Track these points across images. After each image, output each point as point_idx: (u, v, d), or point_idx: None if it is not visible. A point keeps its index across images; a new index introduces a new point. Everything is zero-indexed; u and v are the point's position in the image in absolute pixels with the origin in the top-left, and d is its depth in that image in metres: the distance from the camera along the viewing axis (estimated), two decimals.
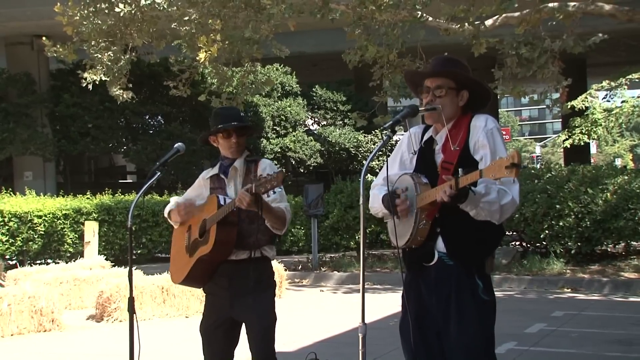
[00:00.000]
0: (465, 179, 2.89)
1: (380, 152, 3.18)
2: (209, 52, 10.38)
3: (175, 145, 4.03)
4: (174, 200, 4.07)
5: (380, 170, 3.55)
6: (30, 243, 13.30)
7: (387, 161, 3.36)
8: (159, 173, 3.96)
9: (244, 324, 3.83)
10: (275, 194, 3.60)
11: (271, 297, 3.80)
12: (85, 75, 11.33)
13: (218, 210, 3.68)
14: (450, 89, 3.29)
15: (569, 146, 19.13)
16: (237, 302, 3.75)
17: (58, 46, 11.34)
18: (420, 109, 3.27)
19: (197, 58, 10.63)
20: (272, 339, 3.78)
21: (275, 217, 3.66)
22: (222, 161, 3.93)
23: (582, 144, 19.41)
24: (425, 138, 3.42)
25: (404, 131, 3.55)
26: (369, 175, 14.62)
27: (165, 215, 4.08)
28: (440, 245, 3.22)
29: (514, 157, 2.71)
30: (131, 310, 3.79)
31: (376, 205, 3.39)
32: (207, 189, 3.95)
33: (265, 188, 3.35)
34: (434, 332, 3.26)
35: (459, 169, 2.93)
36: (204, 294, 3.97)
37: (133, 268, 3.91)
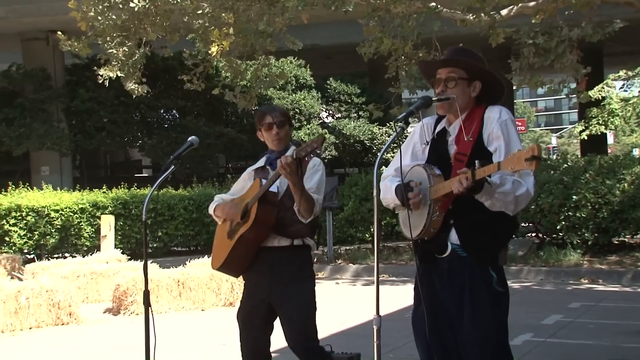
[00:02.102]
0: (482, 171, 2.88)
1: (394, 144, 3.16)
2: (222, 45, 10.37)
3: (189, 138, 4.05)
4: (218, 197, 4.11)
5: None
6: (48, 237, 13.40)
7: (399, 152, 3.35)
8: (173, 167, 3.98)
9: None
10: (312, 184, 3.69)
11: (311, 287, 3.84)
12: (101, 72, 11.37)
13: (260, 187, 3.74)
14: (462, 79, 3.26)
15: (585, 137, 18.97)
16: (276, 289, 3.78)
17: (72, 40, 11.38)
18: (433, 99, 3.26)
19: (210, 51, 10.62)
20: (312, 329, 3.81)
21: (306, 199, 3.64)
22: (269, 154, 3.98)
23: (599, 134, 19.25)
24: (438, 129, 3.40)
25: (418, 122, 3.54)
26: (383, 167, 14.63)
27: (211, 212, 4.09)
28: (453, 237, 3.21)
29: (534, 150, 2.69)
30: (147, 303, 3.81)
31: (388, 197, 3.37)
32: (251, 180, 3.98)
33: (306, 151, 3.42)
34: (447, 324, 3.25)
35: (476, 161, 2.91)
36: (243, 281, 4.02)
37: (149, 262, 3.93)
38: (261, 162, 4.01)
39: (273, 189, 3.76)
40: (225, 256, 3.86)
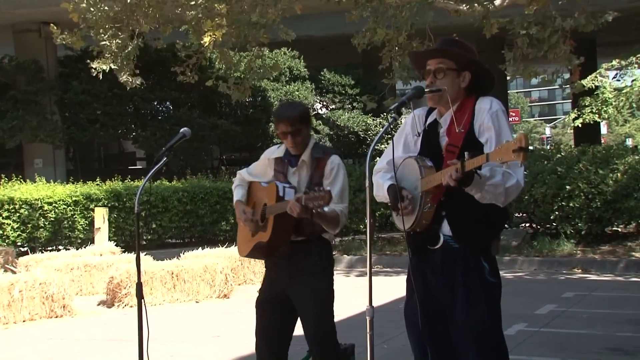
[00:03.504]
0: (471, 163, 2.88)
1: (387, 135, 3.16)
2: (214, 35, 10.33)
3: (181, 130, 4.03)
4: (240, 176, 4.10)
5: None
6: (41, 230, 13.36)
7: (392, 144, 3.35)
8: (165, 158, 3.97)
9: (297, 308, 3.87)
10: (335, 194, 3.64)
11: (327, 281, 3.85)
12: (95, 65, 11.31)
13: (277, 203, 3.73)
14: (451, 69, 3.26)
15: (579, 125, 18.96)
16: (294, 282, 3.81)
17: (65, 33, 11.32)
18: (425, 90, 3.25)
19: (202, 42, 10.58)
20: (327, 323, 3.82)
21: (327, 221, 3.67)
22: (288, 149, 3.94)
23: (592, 122, 19.24)
24: (429, 120, 3.40)
25: None
26: (376, 158, 14.70)
27: (234, 197, 4.10)
28: (445, 228, 3.22)
29: (521, 141, 2.69)
30: (139, 295, 3.81)
31: (380, 194, 3.39)
32: (271, 168, 3.99)
33: (314, 205, 3.40)
34: (440, 315, 3.26)
35: (465, 153, 2.91)
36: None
37: (143, 254, 3.92)
38: (280, 152, 3.94)
39: (288, 194, 3.74)
40: (247, 251, 4.01)
